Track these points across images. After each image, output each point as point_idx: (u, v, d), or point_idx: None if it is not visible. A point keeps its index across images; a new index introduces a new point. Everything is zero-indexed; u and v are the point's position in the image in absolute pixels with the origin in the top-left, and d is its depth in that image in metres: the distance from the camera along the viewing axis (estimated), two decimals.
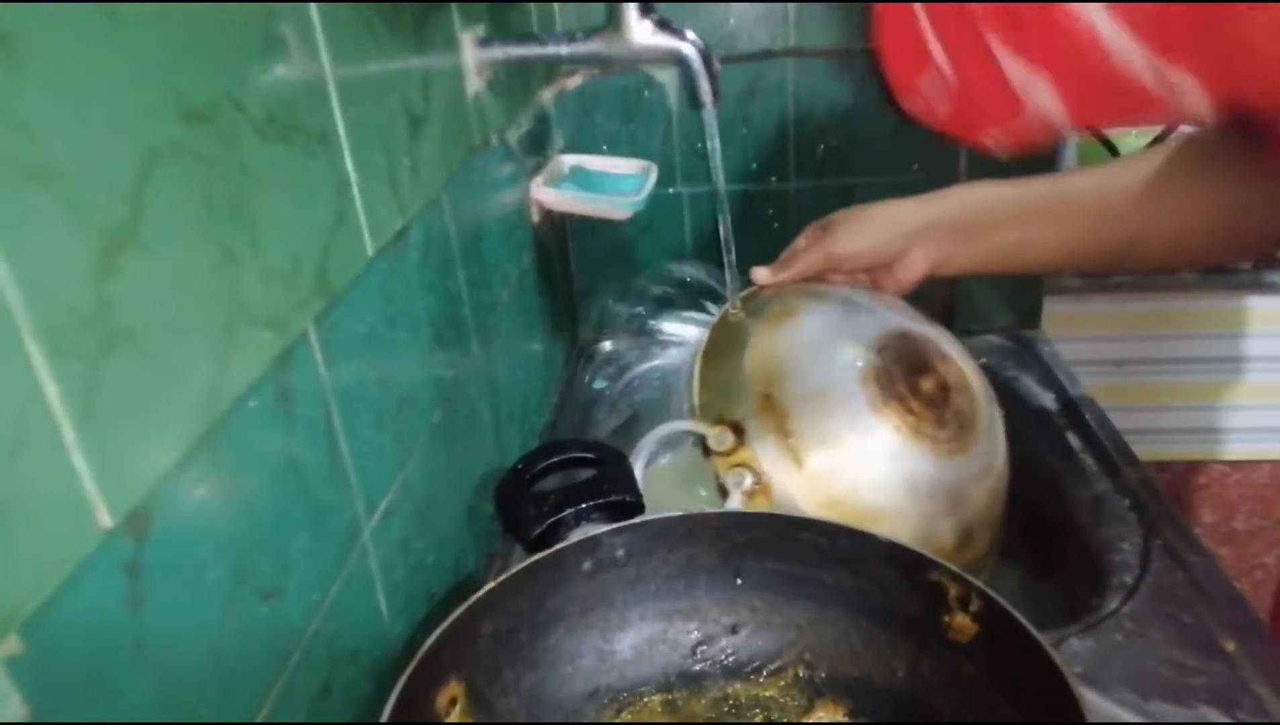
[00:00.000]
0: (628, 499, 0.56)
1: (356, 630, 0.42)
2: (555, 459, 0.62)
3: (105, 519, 0.25)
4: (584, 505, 0.55)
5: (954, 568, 0.46)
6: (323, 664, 0.38)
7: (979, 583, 0.45)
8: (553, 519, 0.54)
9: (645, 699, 0.53)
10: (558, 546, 0.51)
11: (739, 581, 0.54)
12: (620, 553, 0.52)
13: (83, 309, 0.25)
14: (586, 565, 0.52)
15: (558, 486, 0.58)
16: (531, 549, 0.53)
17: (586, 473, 0.60)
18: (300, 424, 0.37)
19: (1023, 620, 0.43)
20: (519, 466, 0.61)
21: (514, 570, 0.49)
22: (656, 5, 0.60)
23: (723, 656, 0.54)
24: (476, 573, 0.61)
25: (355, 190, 0.41)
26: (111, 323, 0.26)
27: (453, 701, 0.45)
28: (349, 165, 0.41)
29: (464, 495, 0.59)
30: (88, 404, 0.25)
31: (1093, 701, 0.50)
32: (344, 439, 0.41)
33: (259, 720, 0.33)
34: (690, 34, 0.59)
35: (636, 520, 0.53)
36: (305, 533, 0.37)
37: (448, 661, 0.45)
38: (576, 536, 0.52)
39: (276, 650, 0.35)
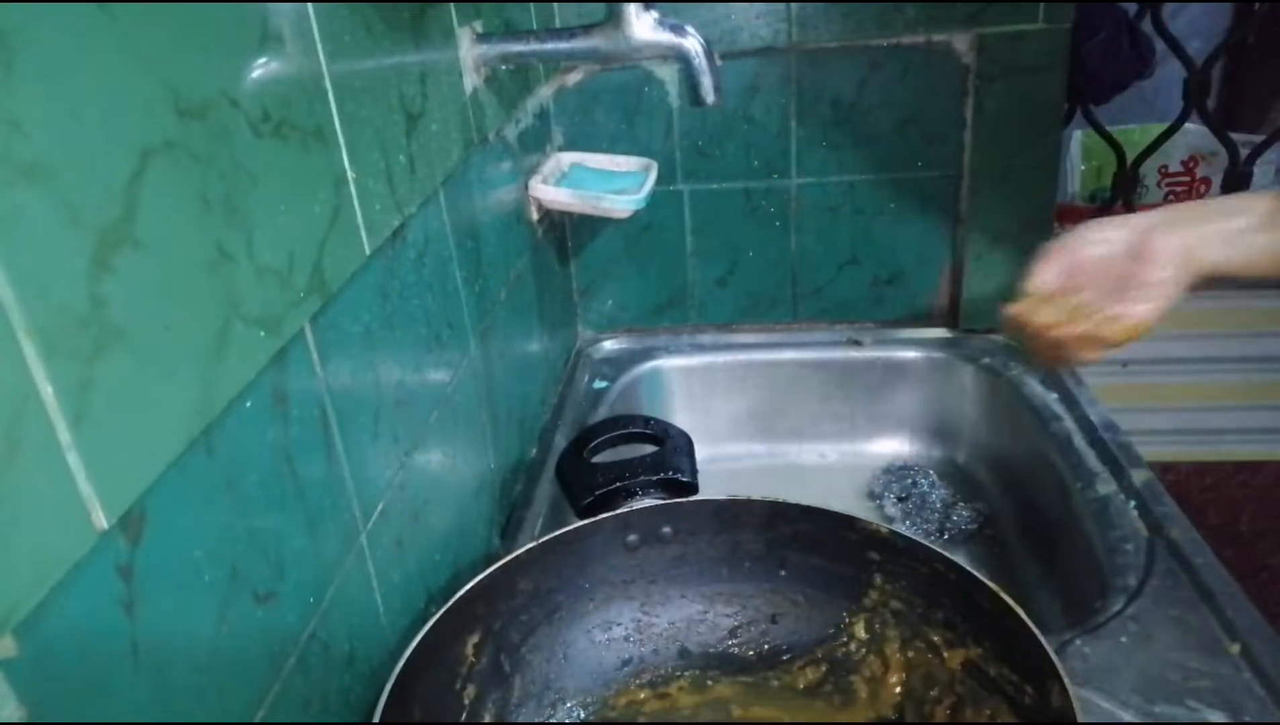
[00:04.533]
0: (682, 478, 0.58)
1: (353, 633, 0.41)
2: (619, 432, 0.63)
3: (100, 520, 0.25)
4: (638, 479, 0.57)
5: (1006, 597, 0.44)
6: (319, 667, 0.38)
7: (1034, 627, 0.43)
8: (604, 490, 0.57)
9: (677, 675, 0.54)
10: (602, 515, 0.52)
11: (783, 573, 0.54)
12: (666, 529, 0.54)
13: (77, 308, 0.25)
14: (631, 538, 0.53)
15: (619, 459, 0.60)
16: (582, 516, 0.55)
17: (649, 448, 0.61)
18: (296, 425, 0.37)
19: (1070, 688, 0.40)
20: (581, 436, 0.63)
21: (558, 533, 0.51)
22: (657, 1, 0.60)
23: (760, 644, 0.54)
24: (475, 575, 0.61)
25: (352, 188, 0.41)
26: (106, 322, 0.25)
27: (478, 649, 0.48)
28: (345, 162, 0.41)
29: (462, 496, 0.58)
30: (82, 404, 0.24)
31: (1097, 703, 0.49)
32: (340, 440, 0.40)
33: (255, 723, 0.33)
34: (691, 30, 0.59)
35: (683, 500, 0.55)
36: (301, 534, 0.37)
37: (481, 610, 0.47)
38: (625, 509, 0.53)
39: (272, 653, 0.35)
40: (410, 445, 0.49)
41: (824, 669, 0.52)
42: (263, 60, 0.34)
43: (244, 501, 0.33)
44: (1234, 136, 1.14)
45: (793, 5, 0.82)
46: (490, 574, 0.48)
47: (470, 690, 0.47)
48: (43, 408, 0.23)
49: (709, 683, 0.53)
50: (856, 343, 0.93)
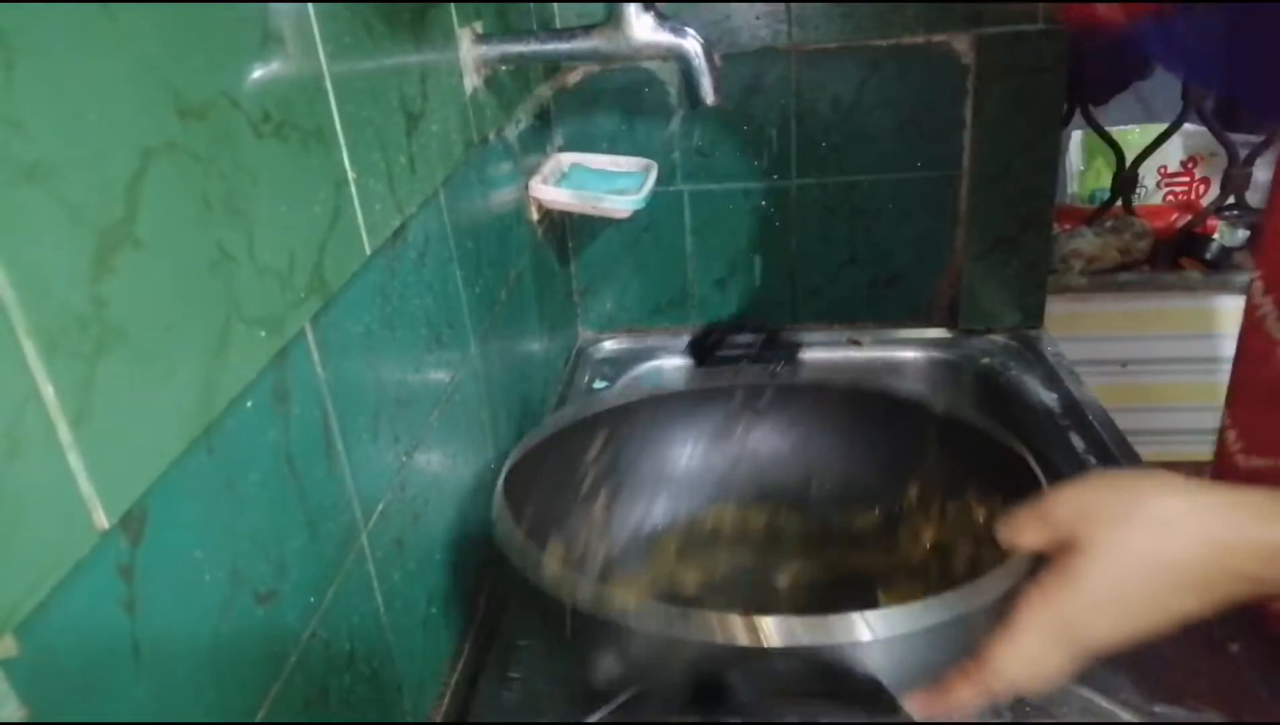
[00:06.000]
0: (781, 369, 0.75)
1: (354, 633, 0.41)
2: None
3: (101, 520, 0.25)
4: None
5: (1021, 450, 0.52)
6: (319, 667, 0.38)
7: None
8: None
9: (756, 504, 0.66)
10: (716, 381, 0.70)
11: (858, 437, 0.64)
12: (767, 396, 0.67)
13: (78, 308, 0.25)
14: (739, 398, 0.66)
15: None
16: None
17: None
18: (297, 424, 0.37)
19: None
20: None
21: (676, 389, 0.71)
22: (657, 1, 0.60)
23: (830, 492, 0.64)
24: (476, 575, 0.61)
25: (352, 188, 0.41)
26: (107, 322, 0.26)
27: (603, 447, 0.62)
28: (346, 163, 0.41)
29: (463, 496, 0.59)
30: (83, 404, 0.24)
31: (1096, 702, 0.49)
32: (341, 440, 0.40)
33: (255, 723, 0.33)
34: (691, 30, 0.59)
35: (783, 380, 0.71)
36: (302, 534, 0.37)
37: (611, 422, 0.63)
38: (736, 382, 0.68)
39: (273, 653, 0.35)
40: (411, 445, 0.49)
41: (878, 518, 0.61)
42: (263, 61, 0.34)
43: (245, 501, 0.33)
44: (1233, 137, 1.14)
45: (792, 6, 0.82)
46: (621, 402, 0.63)
47: (590, 476, 0.62)
48: (44, 408, 0.23)
49: (781, 515, 0.64)
50: (856, 343, 0.93)
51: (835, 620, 0.39)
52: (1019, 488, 0.48)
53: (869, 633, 0.39)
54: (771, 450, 0.66)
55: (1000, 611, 0.40)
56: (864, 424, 0.63)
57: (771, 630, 0.39)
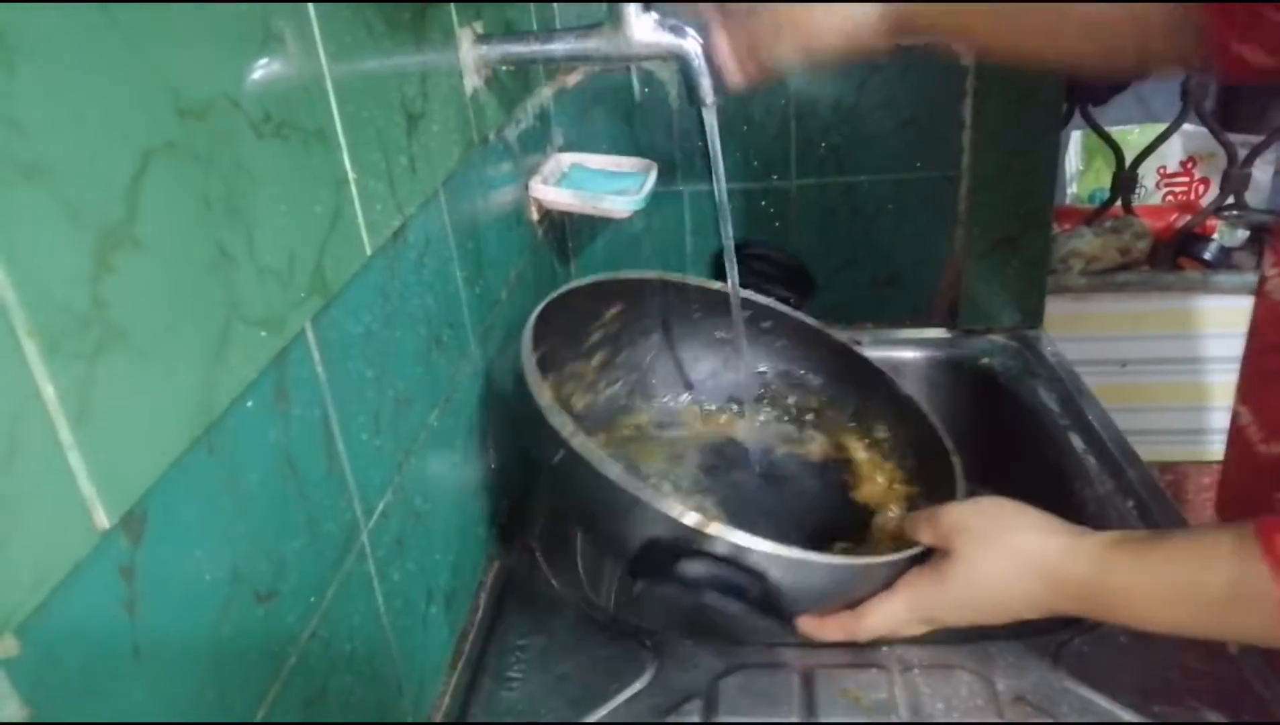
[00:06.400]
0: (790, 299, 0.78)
1: (354, 633, 0.41)
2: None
3: (102, 520, 0.25)
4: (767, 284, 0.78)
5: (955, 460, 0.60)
6: (320, 667, 0.38)
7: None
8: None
9: (726, 411, 0.75)
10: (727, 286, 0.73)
11: (837, 386, 0.74)
12: (767, 323, 0.75)
13: (78, 309, 0.25)
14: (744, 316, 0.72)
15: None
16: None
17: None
18: (297, 424, 0.37)
19: None
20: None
21: (679, 278, 0.73)
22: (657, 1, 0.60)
23: (798, 415, 0.75)
24: (476, 575, 0.61)
25: (353, 188, 0.41)
26: (107, 322, 0.26)
27: (616, 317, 0.71)
28: (346, 163, 0.41)
29: (463, 496, 0.59)
30: (83, 404, 0.24)
31: (1097, 703, 0.49)
32: (341, 439, 0.40)
33: (255, 723, 0.33)
34: (691, 31, 0.59)
35: (796, 316, 0.76)
36: (302, 534, 0.37)
37: (626, 291, 0.70)
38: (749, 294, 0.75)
39: (273, 653, 0.35)
40: (411, 445, 0.49)
41: (819, 459, 0.71)
42: (264, 61, 0.34)
43: (245, 501, 0.33)
44: (1232, 137, 1.14)
45: None
46: (644, 276, 0.70)
47: (596, 335, 0.69)
48: (44, 408, 0.23)
49: (737, 428, 0.73)
50: (856, 343, 0.92)
51: (766, 545, 0.47)
52: (938, 484, 0.58)
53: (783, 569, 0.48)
54: (759, 368, 0.75)
55: (887, 581, 0.52)
56: (840, 377, 0.74)
57: (714, 525, 0.47)
